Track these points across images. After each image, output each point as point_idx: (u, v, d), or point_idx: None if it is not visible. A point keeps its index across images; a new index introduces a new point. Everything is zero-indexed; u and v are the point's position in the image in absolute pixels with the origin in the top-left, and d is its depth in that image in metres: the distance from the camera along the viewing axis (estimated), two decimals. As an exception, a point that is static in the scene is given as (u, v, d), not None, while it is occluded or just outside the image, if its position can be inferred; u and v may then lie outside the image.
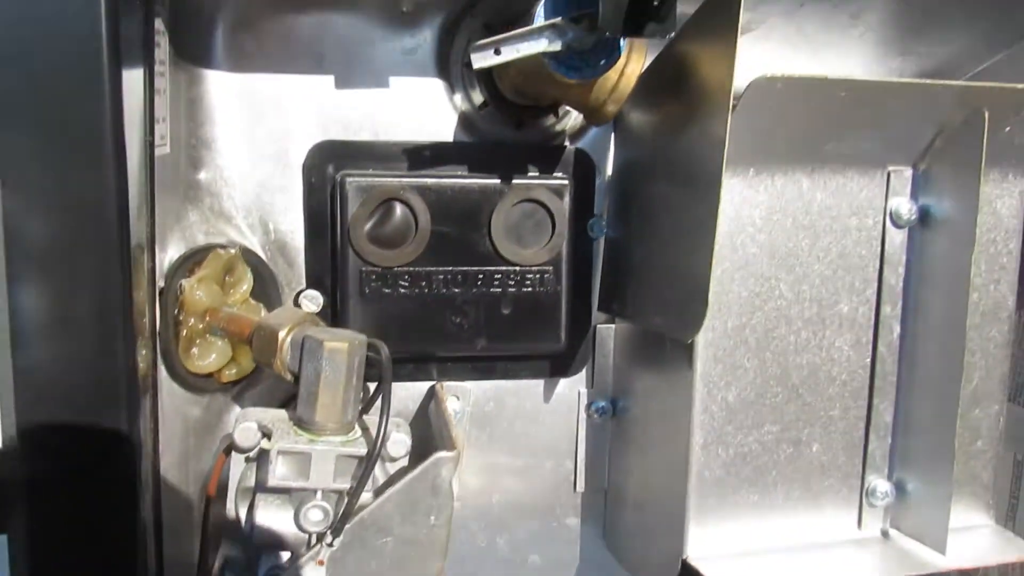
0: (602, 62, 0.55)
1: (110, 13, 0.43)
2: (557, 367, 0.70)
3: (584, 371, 0.71)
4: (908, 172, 0.61)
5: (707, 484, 0.60)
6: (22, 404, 0.44)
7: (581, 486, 0.72)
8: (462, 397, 0.68)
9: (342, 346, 0.51)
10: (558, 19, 0.53)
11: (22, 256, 0.43)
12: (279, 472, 0.50)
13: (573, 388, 0.71)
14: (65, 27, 0.42)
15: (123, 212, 0.46)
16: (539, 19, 0.54)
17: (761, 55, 0.62)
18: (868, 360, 0.62)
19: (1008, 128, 0.60)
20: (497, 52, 0.54)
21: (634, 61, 0.58)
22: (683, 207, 0.55)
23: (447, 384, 0.68)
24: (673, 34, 0.51)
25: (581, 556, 0.73)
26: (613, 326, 0.70)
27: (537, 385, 0.70)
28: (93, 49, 0.42)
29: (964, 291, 0.58)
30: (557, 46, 0.53)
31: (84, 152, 0.43)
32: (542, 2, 0.54)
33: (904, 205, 0.61)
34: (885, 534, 0.64)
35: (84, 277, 0.44)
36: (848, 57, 0.65)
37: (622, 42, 0.56)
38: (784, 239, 0.59)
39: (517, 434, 0.71)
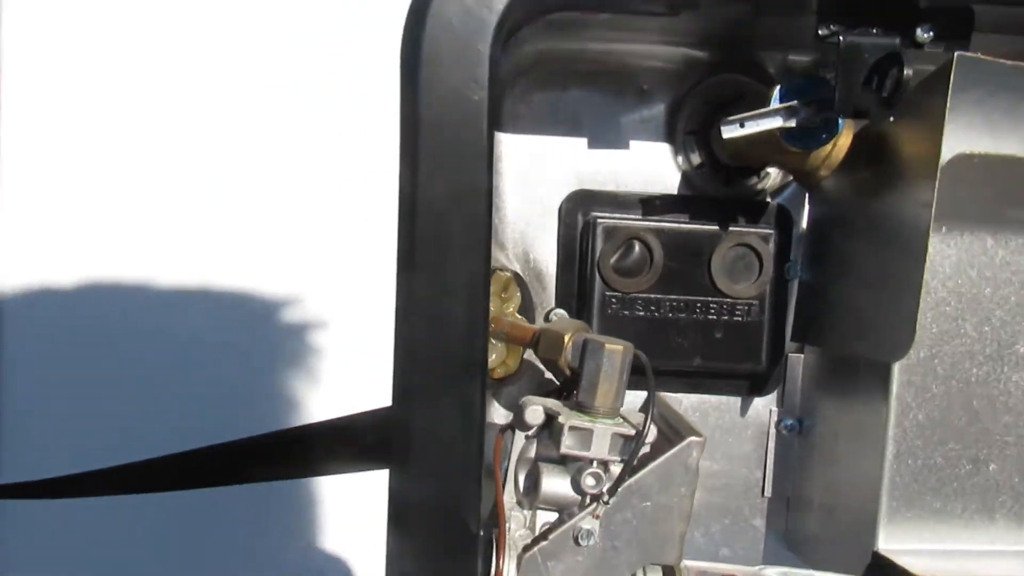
0: (823, 136, 0.69)
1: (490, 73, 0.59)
2: (754, 387, 0.82)
3: (776, 392, 0.83)
4: (1080, 234, 0.72)
5: (897, 489, 0.70)
6: (403, 375, 0.59)
7: (768, 492, 0.83)
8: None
9: (619, 348, 0.65)
10: (794, 102, 0.67)
11: (424, 261, 0.58)
12: (567, 442, 0.64)
13: (766, 406, 0.83)
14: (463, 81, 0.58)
15: (484, 233, 0.61)
16: (776, 101, 0.69)
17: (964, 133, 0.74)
18: (1042, 394, 0.72)
19: None
20: (742, 125, 0.68)
21: (845, 135, 0.72)
22: (889, 258, 0.68)
23: (663, 393, 0.81)
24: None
25: (764, 553, 0.84)
26: (802, 355, 0.83)
27: (736, 401, 0.83)
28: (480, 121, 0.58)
29: None
30: (791, 123, 0.68)
31: (473, 182, 0.59)
32: (778, 87, 0.69)
33: (1075, 269, 0.72)
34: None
35: (459, 282, 0.59)
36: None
37: (840, 120, 0.70)
38: (969, 286, 0.71)
39: (716, 442, 0.83)
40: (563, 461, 0.66)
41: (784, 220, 0.81)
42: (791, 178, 0.80)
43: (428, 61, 0.58)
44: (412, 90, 0.58)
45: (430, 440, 0.59)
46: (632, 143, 0.80)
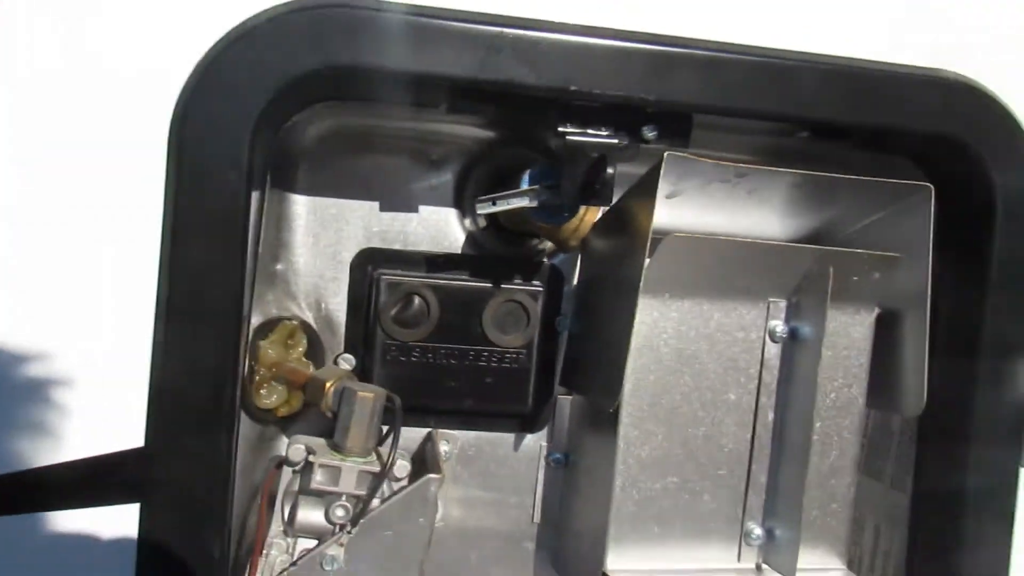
0: (565, 215, 0.81)
1: (249, 159, 0.68)
2: (525, 424, 0.93)
3: (546, 429, 0.94)
4: (783, 303, 0.85)
5: (622, 517, 0.82)
6: (157, 416, 0.67)
7: (537, 518, 0.94)
8: (451, 441, 0.91)
9: (369, 396, 0.74)
10: (536, 186, 0.78)
11: (181, 312, 0.67)
12: (318, 479, 0.73)
13: (536, 442, 0.94)
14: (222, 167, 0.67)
15: (241, 294, 0.71)
16: (524, 183, 0.80)
17: (683, 213, 0.86)
18: (749, 436, 0.85)
19: (855, 277, 0.84)
20: (494, 203, 0.79)
21: (591, 212, 0.84)
22: (614, 315, 0.79)
23: (441, 431, 0.91)
24: (612, 202, 0.76)
25: (533, 573, 0.94)
26: (570, 397, 0.94)
27: (510, 437, 0.93)
28: (238, 183, 0.67)
29: (814, 391, 0.81)
30: (535, 203, 0.79)
31: (226, 249, 0.67)
32: (527, 172, 0.80)
33: (779, 326, 0.85)
34: (758, 567, 0.86)
35: (215, 336, 0.68)
36: (751, 217, 0.89)
37: (580, 200, 0.81)
38: (689, 344, 0.83)
39: (492, 474, 0.93)
40: (321, 495, 0.75)
41: (556, 278, 0.92)
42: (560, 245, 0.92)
43: (192, 146, 0.66)
44: (177, 169, 0.66)
45: (179, 477, 0.67)
46: (421, 207, 0.90)
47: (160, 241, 0.66)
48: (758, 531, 0.85)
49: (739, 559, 0.86)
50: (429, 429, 0.91)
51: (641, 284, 0.75)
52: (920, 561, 0.91)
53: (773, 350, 0.85)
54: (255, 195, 0.72)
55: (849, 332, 0.87)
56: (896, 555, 0.95)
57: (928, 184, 0.80)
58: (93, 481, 0.63)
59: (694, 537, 0.84)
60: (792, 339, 0.85)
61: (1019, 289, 0.84)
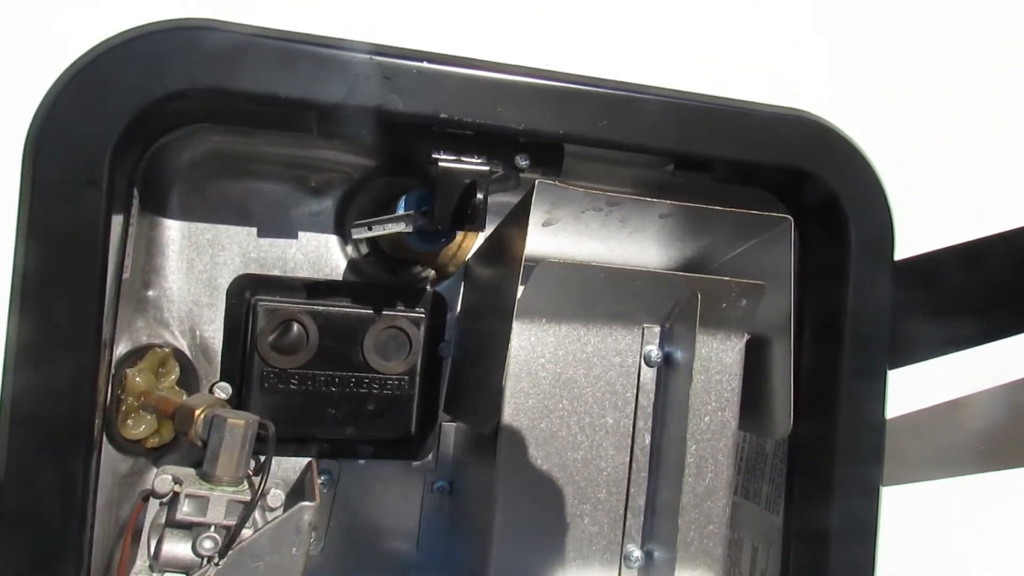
0: (442, 240, 0.82)
1: (109, 179, 0.67)
2: (409, 452, 0.92)
3: (431, 457, 0.94)
4: (657, 328, 0.88)
5: (504, 542, 0.82)
6: (14, 445, 0.64)
7: (420, 546, 0.93)
8: (332, 471, 0.90)
9: (240, 422, 0.73)
10: (411, 211, 0.79)
11: (32, 338, 0.64)
12: (185, 509, 0.71)
13: (421, 469, 0.93)
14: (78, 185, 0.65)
15: (99, 319, 0.68)
16: (400, 208, 0.81)
17: (560, 241, 0.89)
18: (627, 459, 0.87)
19: (724, 304, 0.88)
20: (370, 228, 0.79)
21: (469, 238, 0.85)
22: (492, 340, 0.80)
23: (323, 460, 0.89)
24: (484, 228, 0.78)
25: None
26: (455, 424, 0.94)
27: (392, 465, 0.92)
28: (96, 203, 0.65)
29: (687, 414, 0.84)
30: (411, 228, 0.79)
31: (83, 271, 0.65)
32: (403, 197, 0.81)
33: (654, 351, 0.88)
34: (637, 591, 0.87)
35: (69, 362, 0.65)
36: (627, 246, 0.93)
37: (458, 227, 0.82)
38: (566, 368, 0.84)
39: (375, 503, 0.92)
40: (189, 527, 0.73)
41: (439, 305, 0.93)
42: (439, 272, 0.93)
43: (48, 161, 0.64)
44: (31, 183, 0.64)
45: (31, 510, 0.64)
46: (301, 233, 0.89)
47: (12, 258, 0.63)
48: (637, 553, 0.87)
49: (620, 581, 0.87)
50: (309, 459, 0.89)
51: (516, 309, 0.76)
52: (793, 578, 0.95)
53: (648, 374, 0.88)
54: (117, 218, 0.70)
55: (721, 357, 0.90)
56: (772, 574, 0.98)
57: (788, 216, 0.85)
58: None
59: (575, 560, 0.85)
60: (667, 364, 0.88)
61: (875, 311, 0.89)
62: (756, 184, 0.90)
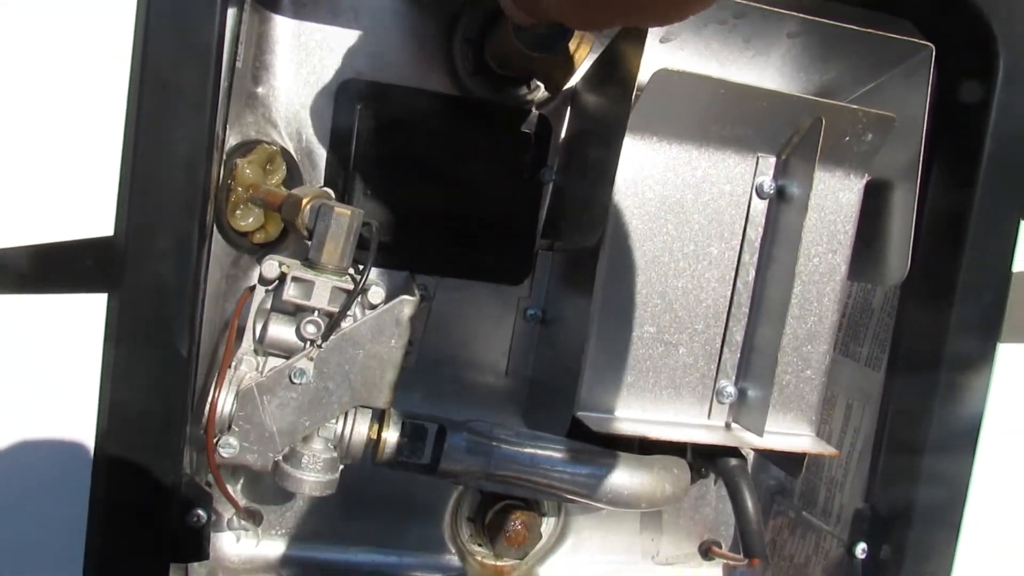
0: (556, 41, 0.78)
1: None
2: (504, 276, 0.92)
3: (525, 284, 0.93)
4: (772, 159, 0.84)
5: (597, 364, 0.81)
6: (134, 211, 0.65)
7: (509, 370, 0.94)
8: (429, 287, 0.90)
9: (346, 211, 0.72)
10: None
11: (152, 110, 0.64)
12: (291, 292, 0.72)
13: (514, 295, 0.93)
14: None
15: (214, 103, 0.68)
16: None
17: (677, 61, 0.84)
18: (728, 292, 0.84)
19: (848, 138, 0.82)
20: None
21: (582, 48, 0.81)
22: (600, 155, 0.77)
23: (419, 276, 0.90)
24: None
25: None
26: (551, 252, 0.93)
27: (487, 288, 0.92)
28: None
29: (797, 252, 0.80)
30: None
31: (198, 64, 0.65)
32: None
33: (767, 182, 0.83)
34: (728, 425, 0.86)
35: (184, 144, 0.66)
36: (747, 72, 0.87)
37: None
38: (673, 191, 0.81)
39: (467, 325, 0.92)
40: (294, 312, 0.74)
41: (544, 128, 0.90)
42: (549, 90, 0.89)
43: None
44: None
45: (148, 269, 0.66)
46: (409, 42, 0.87)
47: (132, 42, 0.64)
48: (730, 389, 0.85)
49: (709, 416, 0.86)
50: (407, 272, 0.89)
51: (629, 120, 0.72)
52: (889, 437, 0.92)
53: (759, 206, 0.84)
54: (232, 8, 0.69)
55: (837, 196, 0.85)
56: (866, 432, 0.96)
57: (929, 44, 0.78)
58: (56, 266, 0.61)
59: (666, 390, 0.84)
60: (779, 197, 0.84)
61: (1016, 156, 0.83)
62: (898, 11, 0.82)
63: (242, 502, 0.88)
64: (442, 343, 0.92)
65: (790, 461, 0.88)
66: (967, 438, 0.88)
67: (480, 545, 0.97)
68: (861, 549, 0.90)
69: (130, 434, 0.67)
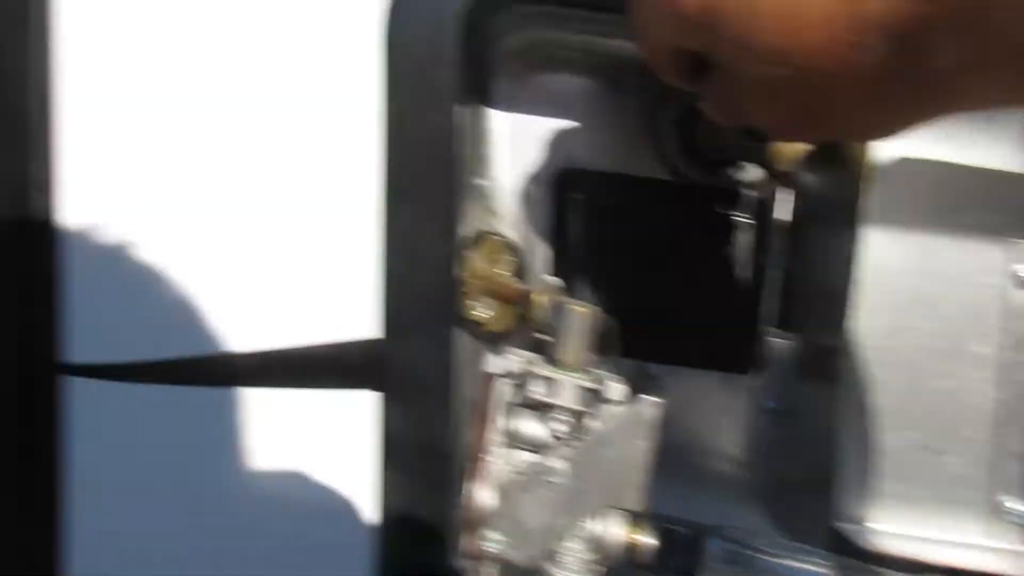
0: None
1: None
2: (736, 365, 0.84)
3: (761, 376, 0.86)
4: (1025, 244, 0.77)
5: (853, 469, 0.73)
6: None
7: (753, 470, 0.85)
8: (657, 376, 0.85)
9: (587, 311, 0.70)
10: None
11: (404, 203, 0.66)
12: (537, 390, 0.68)
13: (748, 387, 0.85)
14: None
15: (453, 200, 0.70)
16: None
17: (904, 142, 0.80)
18: (997, 394, 0.76)
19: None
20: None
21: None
22: (834, 246, 0.74)
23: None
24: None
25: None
26: (784, 341, 0.86)
27: (716, 378, 0.85)
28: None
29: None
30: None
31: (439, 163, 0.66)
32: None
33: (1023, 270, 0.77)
34: (1016, 553, 0.74)
35: (433, 231, 0.66)
36: (981, 149, 0.82)
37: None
38: (920, 282, 0.75)
39: (700, 419, 0.85)
40: (537, 408, 0.71)
41: (762, 211, 0.87)
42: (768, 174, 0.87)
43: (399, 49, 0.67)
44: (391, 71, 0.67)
45: (415, 369, 0.65)
46: (613, 129, 0.87)
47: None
48: (1019, 507, 0.74)
49: (990, 537, 0.75)
50: (636, 361, 0.84)
51: (866, 207, 0.69)
52: None
53: (1019, 297, 0.77)
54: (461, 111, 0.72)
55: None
56: None
57: None
58: (335, 366, 0.61)
59: (934, 502, 0.75)
60: (1045, 286, 0.77)
61: None
62: None
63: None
64: (674, 436, 0.85)
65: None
66: None
67: None
68: None
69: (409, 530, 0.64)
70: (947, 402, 0.75)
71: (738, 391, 0.86)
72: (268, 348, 0.67)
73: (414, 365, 0.65)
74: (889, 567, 0.72)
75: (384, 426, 0.63)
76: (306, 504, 0.69)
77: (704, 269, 0.83)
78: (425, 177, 0.69)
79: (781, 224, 0.86)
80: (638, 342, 0.84)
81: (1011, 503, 0.74)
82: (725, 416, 0.86)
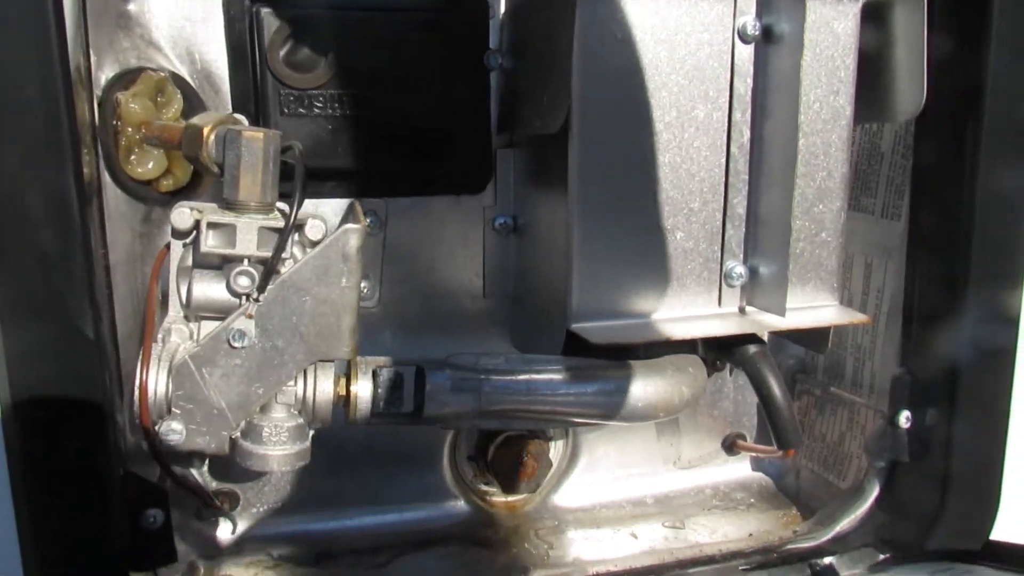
0: None
1: None
2: (461, 184, 0.79)
3: (488, 191, 0.80)
4: (752, -6, 0.71)
5: (585, 267, 0.70)
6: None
7: (488, 292, 0.82)
8: (378, 212, 0.78)
9: (258, 135, 0.60)
10: None
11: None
12: (209, 242, 0.59)
13: (478, 205, 0.81)
14: None
15: (59, 23, 0.54)
16: None
17: None
18: (723, 160, 0.73)
19: (836, -47, 0.69)
20: None
21: None
22: (552, 25, 0.64)
23: (365, 201, 0.77)
24: None
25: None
26: (512, 150, 0.80)
27: (444, 201, 0.80)
28: None
29: (796, 100, 0.68)
30: None
31: None
32: None
33: (750, 23, 0.71)
34: (742, 310, 0.76)
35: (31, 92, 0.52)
36: None
37: None
38: (642, 51, 0.68)
39: (430, 248, 0.80)
40: (220, 266, 0.62)
41: (479, 5, 0.76)
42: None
43: None
44: None
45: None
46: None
47: None
48: (740, 269, 0.75)
49: (720, 303, 0.75)
50: (351, 200, 0.77)
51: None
52: (920, 291, 0.82)
53: (745, 53, 0.72)
54: None
55: (832, 27, 0.73)
56: (891, 290, 0.86)
57: None
58: None
59: (668, 282, 0.73)
60: (766, 39, 0.72)
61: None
62: None
63: (212, 485, 0.78)
64: (405, 272, 0.80)
65: (814, 336, 0.79)
66: (1012, 279, 0.78)
67: (487, 484, 0.88)
68: (905, 418, 0.82)
69: (43, 434, 0.56)
70: (672, 177, 0.71)
71: (472, 212, 0.80)
72: None
73: (28, 237, 0.53)
74: (622, 356, 0.72)
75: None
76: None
77: (420, 83, 0.73)
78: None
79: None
80: (353, 176, 0.75)
81: (736, 267, 0.74)
82: (462, 242, 0.80)
